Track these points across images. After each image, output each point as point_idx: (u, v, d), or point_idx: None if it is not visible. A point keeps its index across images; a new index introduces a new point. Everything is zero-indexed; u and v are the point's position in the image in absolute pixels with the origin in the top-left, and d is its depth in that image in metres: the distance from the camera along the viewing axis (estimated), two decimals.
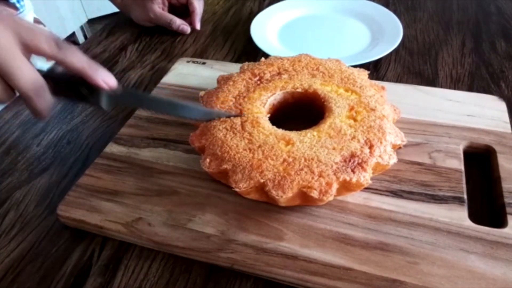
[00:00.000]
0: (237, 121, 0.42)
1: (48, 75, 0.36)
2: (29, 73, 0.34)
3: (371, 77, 0.57)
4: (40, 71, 0.36)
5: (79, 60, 0.36)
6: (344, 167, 0.37)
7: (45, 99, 0.36)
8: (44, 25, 0.71)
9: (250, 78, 0.48)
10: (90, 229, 0.41)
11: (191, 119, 0.44)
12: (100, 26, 1.37)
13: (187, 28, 0.74)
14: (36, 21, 0.69)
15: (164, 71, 0.62)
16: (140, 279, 0.38)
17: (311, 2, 0.77)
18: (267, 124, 0.42)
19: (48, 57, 0.35)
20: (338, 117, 0.41)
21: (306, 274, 0.35)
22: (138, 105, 0.41)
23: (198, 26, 0.75)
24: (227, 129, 0.41)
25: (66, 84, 0.37)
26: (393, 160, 0.39)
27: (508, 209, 0.39)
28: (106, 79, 0.37)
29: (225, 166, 0.38)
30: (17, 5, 0.66)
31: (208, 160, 0.39)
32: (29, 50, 0.35)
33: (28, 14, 0.64)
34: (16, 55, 0.34)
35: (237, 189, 0.37)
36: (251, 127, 0.41)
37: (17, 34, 0.34)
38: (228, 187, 0.38)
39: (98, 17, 2.19)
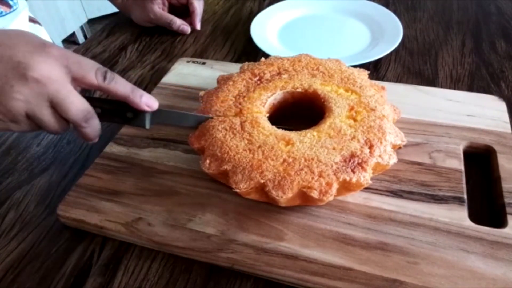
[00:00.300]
0: (236, 121, 0.42)
1: (96, 103, 0.40)
2: (78, 103, 0.37)
3: (371, 77, 0.57)
4: (88, 99, 0.38)
5: (123, 89, 0.39)
6: (344, 167, 0.37)
7: (94, 126, 0.39)
8: (40, 24, 0.71)
9: (250, 78, 0.48)
10: (90, 229, 0.41)
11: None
12: (100, 26, 1.37)
13: (187, 28, 0.74)
14: (32, 20, 0.69)
15: (164, 71, 0.62)
16: (140, 279, 0.38)
17: (311, 2, 0.77)
18: (267, 124, 0.42)
19: (95, 87, 0.38)
20: (338, 117, 0.41)
21: (306, 274, 0.35)
22: (174, 121, 0.44)
23: (198, 26, 0.75)
24: (226, 130, 0.41)
25: (113, 110, 0.41)
26: (393, 160, 0.39)
27: (508, 209, 0.39)
28: (149, 103, 0.40)
29: (225, 167, 0.38)
30: (10, 2, 0.65)
31: (208, 161, 0.39)
32: (77, 81, 0.37)
33: (22, 11, 0.63)
34: (66, 88, 0.36)
35: (237, 190, 0.37)
36: (250, 127, 0.41)
37: (66, 67, 0.36)
38: (229, 187, 0.38)
39: (98, 17, 2.19)
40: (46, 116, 0.36)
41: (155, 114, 0.42)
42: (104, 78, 0.37)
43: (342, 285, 0.34)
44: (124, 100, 0.39)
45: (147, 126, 0.42)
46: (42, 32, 0.71)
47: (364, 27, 0.71)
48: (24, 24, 0.63)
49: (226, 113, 0.43)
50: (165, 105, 0.54)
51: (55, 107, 0.36)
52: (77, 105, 0.37)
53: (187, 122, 0.44)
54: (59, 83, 0.35)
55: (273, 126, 0.42)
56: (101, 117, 0.40)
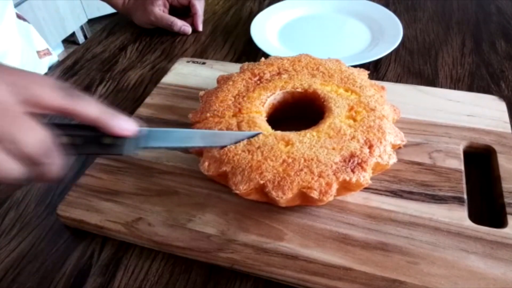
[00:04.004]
0: (233, 121, 0.42)
1: (61, 130, 0.31)
2: (33, 133, 0.28)
3: (371, 77, 0.57)
4: (51, 126, 0.30)
5: (93, 110, 0.31)
6: (343, 167, 0.37)
7: (58, 158, 0.30)
8: (28, 22, 0.70)
9: (250, 78, 0.48)
10: (90, 229, 0.41)
11: (222, 147, 0.39)
12: (100, 26, 1.37)
13: (188, 29, 0.74)
14: (20, 17, 0.68)
15: (164, 71, 0.62)
16: (140, 279, 0.38)
17: (311, 2, 0.77)
18: (264, 124, 0.42)
19: (56, 110, 0.29)
20: (337, 117, 0.41)
21: (306, 274, 0.35)
22: (169, 144, 0.36)
23: (200, 27, 0.75)
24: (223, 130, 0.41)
25: (87, 136, 0.32)
26: (393, 160, 0.39)
27: (508, 209, 0.39)
28: (125, 125, 0.32)
29: (224, 168, 0.38)
30: None
31: (207, 163, 0.39)
32: (32, 105, 0.28)
33: (7, 8, 0.61)
34: (15, 116, 0.27)
35: (237, 191, 0.37)
36: (247, 128, 0.41)
37: (13, 88, 0.28)
38: (228, 188, 0.38)
39: (98, 17, 2.19)
40: None
41: (143, 135, 0.34)
42: (70, 97, 0.29)
43: (342, 285, 0.34)
44: (95, 124, 0.31)
45: (131, 153, 0.34)
46: (32, 30, 0.70)
47: (364, 27, 0.71)
48: (12, 21, 0.62)
49: (225, 112, 0.43)
50: (165, 105, 0.54)
51: (7, 145, 0.27)
52: (30, 135, 0.27)
53: (188, 142, 0.37)
54: (4, 111, 0.27)
55: (269, 126, 0.42)
56: (70, 148, 0.31)
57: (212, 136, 0.40)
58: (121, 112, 0.32)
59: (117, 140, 0.32)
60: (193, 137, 0.38)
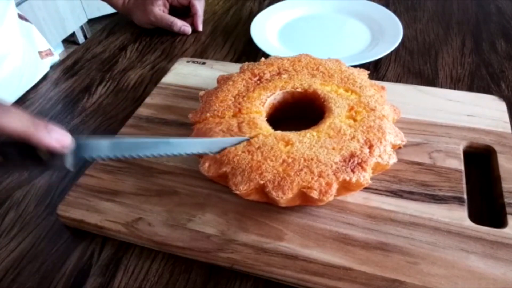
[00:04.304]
0: (233, 122, 0.42)
1: None
2: None
3: (371, 77, 0.57)
4: None
5: (20, 123, 0.28)
6: (344, 167, 0.37)
7: None
8: (30, 22, 0.70)
9: (250, 78, 0.48)
10: (90, 229, 0.41)
11: (190, 155, 0.38)
12: (100, 26, 1.37)
13: (188, 29, 0.74)
14: (22, 17, 0.68)
15: (164, 71, 0.62)
16: (140, 279, 0.38)
17: (311, 2, 0.77)
18: (264, 125, 0.42)
19: None
20: (337, 117, 0.41)
21: (306, 274, 0.35)
22: (118, 154, 0.32)
23: (200, 27, 0.75)
24: (223, 131, 0.41)
25: (19, 151, 0.29)
26: (393, 160, 0.39)
27: (508, 209, 0.39)
28: (59, 137, 0.29)
29: (224, 169, 0.38)
30: None
31: (207, 164, 0.39)
32: None
33: (9, 8, 0.61)
34: None
35: (237, 192, 0.37)
36: (248, 128, 0.41)
37: None
38: (229, 188, 0.38)
39: (98, 17, 2.19)
40: None
41: (80, 147, 0.31)
42: None
43: (342, 285, 0.34)
44: (24, 138, 0.28)
45: (71, 167, 0.31)
46: (33, 31, 0.70)
47: (364, 27, 0.71)
48: (13, 21, 0.62)
49: (225, 112, 0.43)
50: (165, 105, 0.54)
51: None
52: None
53: (142, 150, 0.33)
54: None
55: (269, 127, 0.42)
56: (5, 165, 0.30)
57: (165, 144, 0.36)
58: (54, 124, 0.30)
59: (53, 154, 0.30)
60: (144, 146, 0.34)
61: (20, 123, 0.28)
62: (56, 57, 0.73)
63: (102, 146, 0.32)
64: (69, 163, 0.30)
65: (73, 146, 0.30)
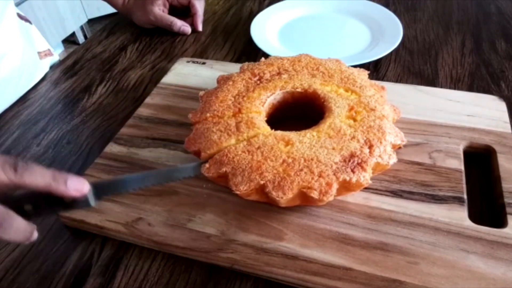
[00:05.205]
0: (231, 122, 0.42)
1: (21, 201, 0.33)
2: None
3: (371, 77, 0.57)
4: (8, 199, 0.33)
5: (42, 179, 0.32)
6: (344, 167, 0.37)
7: (12, 227, 0.32)
8: (30, 22, 0.70)
9: (250, 78, 0.48)
10: (90, 229, 0.41)
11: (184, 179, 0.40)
12: (100, 26, 1.37)
13: (188, 29, 0.74)
14: (22, 17, 0.68)
15: (164, 71, 0.62)
16: (140, 279, 0.38)
17: (311, 2, 0.77)
18: (263, 125, 0.42)
19: (7, 185, 0.32)
20: (337, 117, 0.41)
21: (306, 274, 0.35)
22: (128, 188, 0.37)
23: (200, 27, 0.75)
24: (221, 131, 0.41)
25: (46, 200, 0.33)
26: (393, 160, 0.39)
27: (508, 209, 0.39)
28: (77, 187, 0.33)
29: (224, 169, 0.38)
30: None
31: (207, 164, 0.39)
32: None
33: (8, 8, 0.61)
34: None
35: (237, 192, 0.37)
36: (246, 128, 0.41)
37: None
38: (229, 189, 0.38)
39: (98, 17, 2.19)
40: None
41: (98, 187, 0.35)
42: (15, 170, 0.31)
43: (342, 285, 0.34)
44: (47, 191, 0.32)
45: (93, 203, 0.35)
46: (33, 31, 0.70)
47: (364, 27, 0.71)
48: (12, 21, 0.62)
49: (224, 112, 0.43)
50: (165, 105, 0.54)
51: None
52: None
53: (149, 181, 0.38)
54: None
55: (268, 126, 0.42)
56: (34, 213, 0.34)
57: (167, 172, 0.39)
58: (70, 172, 0.34)
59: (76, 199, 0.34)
60: (149, 178, 0.38)
61: (42, 179, 0.32)
62: (55, 57, 0.73)
63: (116, 184, 0.37)
64: (91, 201, 0.34)
65: (92, 188, 0.34)
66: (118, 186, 0.36)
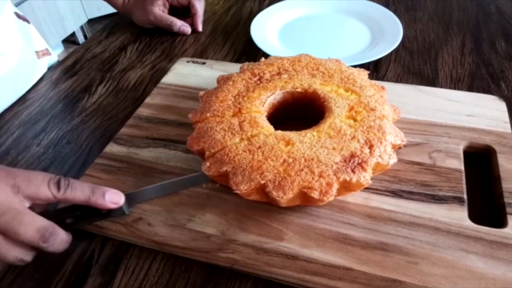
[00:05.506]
0: (235, 121, 0.42)
1: (64, 214, 0.38)
2: (30, 223, 0.34)
3: (371, 77, 0.57)
4: (53, 213, 0.37)
5: (82, 193, 0.36)
6: (344, 167, 0.37)
7: (57, 241, 0.35)
8: (29, 22, 0.70)
9: (250, 78, 0.48)
10: (90, 229, 0.41)
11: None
12: (100, 26, 1.37)
13: (188, 29, 0.74)
14: (21, 17, 0.68)
15: (164, 71, 0.62)
16: (140, 279, 0.38)
17: (311, 2, 0.77)
18: (265, 124, 0.42)
19: (52, 201, 0.36)
20: (338, 117, 0.41)
21: (306, 274, 0.35)
22: (152, 195, 0.42)
23: (200, 28, 0.75)
24: (225, 130, 0.41)
25: (86, 213, 0.38)
26: (393, 160, 0.39)
27: (508, 209, 0.39)
28: (114, 199, 0.37)
29: (225, 168, 0.38)
30: None
31: (208, 163, 0.39)
32: (31, 199, 0.35)
33: (5, 7, 0.62)
34: (13, 209, 0.33)
35: (238, 191, 0.37)
36: (249, 127, 0.41)
37: (14, 187, 0.34)
38: (229, 188, 0.38)
39: (98, 17, 2.19)
40: None
41: (131, 197, 0.40)
42: (58, 188, 0.35)
43: (342, 285, 0.34)
44: (87, 205, 0.37)
45: (127, 212, 0.39)
46: (31, 30, 0.70)
47: (364, 27, 0.71)
48: (10, 20, 0.62)
49: (225, 112, 0.43)
50: (165, 105, 0.54)
51: (8, 234, 0.34)
52: (29, 226, 0.34)
53: (172, 188, 0.42)
54: (7, 207, 0.33)
55: (270, 126, 0.42)
56: (76, 224, 0.38)
57: (188, 180, 0.43)
58: (109, 188, 0.37)
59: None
60: (171, 186, 0.42)
61: (82, 194, 0.36)
62: (54, 57, 0.73)
63: (145, 193, 0.41)
64: (126, 210, 0.39)
65: (126, 198, 0.39)
66: (144, 195, 0.41)
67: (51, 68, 0.69)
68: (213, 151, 0.40)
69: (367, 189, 0.41)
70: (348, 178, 0.36)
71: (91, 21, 2.22)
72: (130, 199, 0.40)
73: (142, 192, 0.41)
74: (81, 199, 0.36)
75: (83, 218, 0.38)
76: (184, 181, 0.42)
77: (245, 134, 0.40)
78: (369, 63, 0.62)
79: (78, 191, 0.36)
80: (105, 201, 0.37)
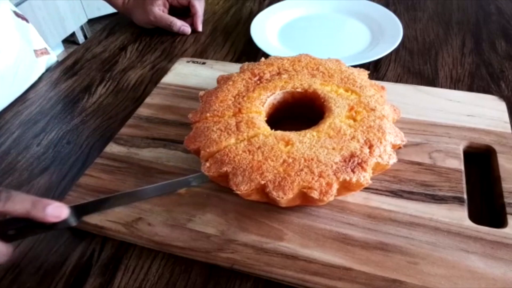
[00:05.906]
0: (232, 121, 0.42)
1: (4, 227, 0.36)
2: None
3: (371, 77, 0.57)
4: None
5: (22, 207, 0.34)
6: (344, 167, 0.37)
7: None
8: (27, 21, 0.70)
9: (250, 78, 0.47)
10: (90, 229, 0.41)
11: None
12: (100, 26, 1.37)
13: (188, 29, 0.74)
14: (19, 15, 0.68)
15: (164, 71, 0.62)
16: (140, 279, 0.38)
17: (311, 2, 0.77)
18: (263, 124, 0.42)
19: None
20: (337, 117, 0.41)
21: (306, 274, 0.35)
22: (106, 207, 0.39)
23: (200, 28, 0.75)
24: (221, 130, 0.41)
25: (28, 225, 0.36)
26: (393, 160, 0.39)
27: (508, 209, 0.39)
28: (55, 213, 0.35)
29: (225, 168, 0.38)
30: None
31: (208, 164, 0.39)
32: None
33: (2, 5, 0.62)
34: None
35: (238, 192, 0.37)
36: (246, 128, 0.41)
37: None
38: (229, 189, 0.38)
39: (98, 17, 2.19)
40: None
41: (78, 209, 0.37)
42: None
43: (342, 285, 0.34)
44: (27, 218, 0.35)
45: (74, 223, 0.37)
46: (30, 29, 0.70)
47: (364, 27, 0.71)
48: (8, 17, 0.62)
49: (224, 112, 0.43)
50: (165, 105, 0.54)
51: None
52: None
53: (134, 199, 0.40)
54: None
55: (268, 126, 0.42)
56: (18, 235, 0.37)
57: (163, 186, 0.41)
58: (51, 198, 0.36)
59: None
60: (136, 195, 0.40)
61: (21, 206, 0.34)
62: (53, 57, 0.73)
63: (93, 206, 0.39)
64: (71, 222, 0.37)
65: (71, 211, 0.37)
66: (98, 207, 0.39)
67: (50, 68, 0.69)
68: (208, 150, 0.40)
69: (367, 189, 0.41)
70: (348, 178, 0.36)
71: (91, 21, 2.22)
72: (81, 210, 0.38)
73: (92, 204, 0.39)
74: (21, 212, 0.34)
75: (25, 230, 0.37)
76: (169, 185, 0.40)
77: (241, 134, 0.40)
78: (369, 63, 0.62)
79: (18, 204, 0.34)
80: (46, 215, 0.35)
